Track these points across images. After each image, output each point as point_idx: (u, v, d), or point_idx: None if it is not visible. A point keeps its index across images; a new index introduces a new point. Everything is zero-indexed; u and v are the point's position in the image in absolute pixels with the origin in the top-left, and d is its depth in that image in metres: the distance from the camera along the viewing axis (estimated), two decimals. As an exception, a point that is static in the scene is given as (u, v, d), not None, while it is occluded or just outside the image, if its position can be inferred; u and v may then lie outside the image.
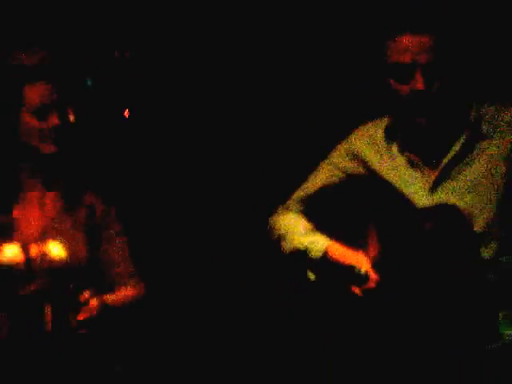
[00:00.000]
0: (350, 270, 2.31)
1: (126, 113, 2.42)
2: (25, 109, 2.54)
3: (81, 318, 2.38)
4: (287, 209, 2.62)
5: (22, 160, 2.60)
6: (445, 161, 2.36)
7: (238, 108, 3.80)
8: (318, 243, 2.43)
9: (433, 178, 2.38)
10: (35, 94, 2.54)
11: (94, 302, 2.40)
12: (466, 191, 2.34)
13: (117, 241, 2.69)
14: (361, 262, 2.31)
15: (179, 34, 3.80)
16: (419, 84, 2.26)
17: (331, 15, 3.58)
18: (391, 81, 2.32)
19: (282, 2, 3.67)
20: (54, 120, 2.52)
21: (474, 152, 2.36)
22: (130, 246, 2.68)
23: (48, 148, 2.55)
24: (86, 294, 2.40)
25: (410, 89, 2.29)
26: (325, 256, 2.39)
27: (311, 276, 2.47)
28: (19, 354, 2.45)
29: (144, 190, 3.70)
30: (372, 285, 2.30)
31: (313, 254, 2.42)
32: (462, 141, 2.36)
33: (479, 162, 2.35)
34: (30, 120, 2.55)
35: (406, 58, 2.27)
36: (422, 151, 2.40)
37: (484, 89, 2.58)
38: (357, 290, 2.33)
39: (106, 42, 3.72)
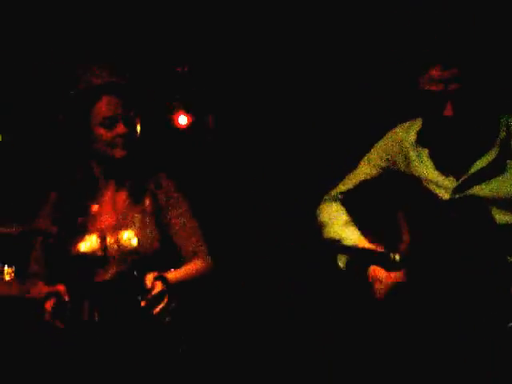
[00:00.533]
0: (384, 256, 2.58)
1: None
2: (97, 120, 2.79)
3: (157, 309, 2.50)
4: (331, 200, 2.89)
5: (97, 166, 2.86)
6: (471, 171, 2.58)
7: (290, 113, 4.15)
8: (352, 235, 2.71)
9: (455, 184, 2.60)
10: (103, 107, 2.79)
11: (158, 287, 2.53)
12: (489, 200, 2.54)
13: (183, 220, 2.83)
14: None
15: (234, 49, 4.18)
16: (449, 111, 2.48)
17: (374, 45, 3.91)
18: (425, 106, 2.54)
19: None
20: (120, 129, 2.77)
21: (503, 165, 2.56)
22: (199, 227, 2.83)
23: (118, 153, 2.79)
24: (149, 279, 2.54)
25: (440, 115, 2.49)
26: (356, 246, 2.67)
27: (341, 264, 2.74)
28: (97, 334, 2.61)
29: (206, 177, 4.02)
30: (401, 271, 2.54)
31: (345, 242, 2.71)
32: (490, 157, 2.57)
33: (505, 175, 2.56)
34: (100, 129, 2.79)
35: (437, 87, 2.49)
36: (450, 161, 2.63)
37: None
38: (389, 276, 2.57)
39: (165, 60, 4.10)
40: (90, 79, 2.80)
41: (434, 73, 2.47)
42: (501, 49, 2.94)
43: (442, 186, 2.63)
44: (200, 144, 4.44)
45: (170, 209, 2.83)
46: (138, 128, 2.80)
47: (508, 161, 2.57)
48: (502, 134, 2.58)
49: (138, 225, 2.76)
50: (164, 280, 2.55)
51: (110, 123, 2.76)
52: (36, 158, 3.13)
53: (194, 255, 2.81)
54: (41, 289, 2.73)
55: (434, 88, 2.48)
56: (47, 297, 2.59)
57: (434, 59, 2.49)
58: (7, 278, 4.04)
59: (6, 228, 4.04)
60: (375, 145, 2.85)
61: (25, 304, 2.89)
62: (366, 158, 2.87)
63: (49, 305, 2.57)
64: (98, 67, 2.81)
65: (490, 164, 2.57)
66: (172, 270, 2.73)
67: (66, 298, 2.57)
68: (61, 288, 2.62)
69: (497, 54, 2.70)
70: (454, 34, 2.55)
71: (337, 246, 2.75)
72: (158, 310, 2.50)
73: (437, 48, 2.51)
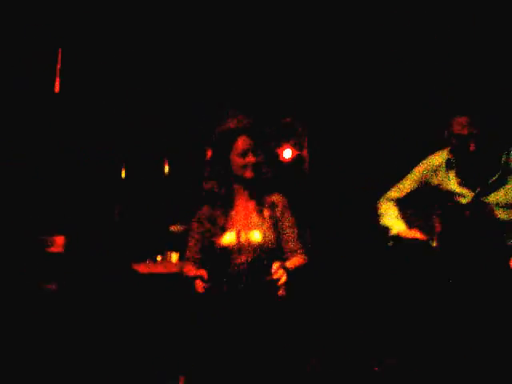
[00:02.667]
0: (424, 242, 3.52)
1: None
2: (235, 152, 3.43)
3: (278, 285, 3.10)
4: (387, 199, 3.80)
5: (235, 183, 3.47)
6: (483, 185, 3.48)
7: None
8: (400, 225, 3.63)
9: (473, 194, 3.51)
10: (240, 143, 3.37)
11: (281, 271, 3.16)
12: (496, 204, 3.47)
13: (291, 229, 3.41)
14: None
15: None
16: (472, 148, 3.39)
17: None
18: (455, 142, 3.44)
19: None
20: (251, 158, 3.41)
21: (505, 180, 3.45)
22: (298, 233, 3.45)
23: (248, 174, 3.40)
24: (275, 266, 3.16)
25: (467, 150, 3.38)
26: (398, 236, 3.56)
27: (390, 243, 3.61)
28: (232, 303, 3.17)
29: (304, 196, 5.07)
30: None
31: (394, 229, 3.64)
32: (496, 175, 3.46)
33: (507, 187, 3.44)
34: (237, 158, 3.42)
35: (464, 131, 3.39)
36: (470, 178, 3.52)
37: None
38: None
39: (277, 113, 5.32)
40: (232, 123, 3.42)
41: (464, 121, 3.38)
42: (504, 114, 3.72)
43: (464, 196, 3.55)
44: (299, 172, 5.74)
45: (283, 221, 3.41)
46: (262, 159, 3.42)
47: (508, 177, 3.48)
48: (503, 159, 3.51)
49: (261, 227, 3.35)
50: (285, 267, 3.20)
51: (244, 154, 3.41)
52: (195, 180, 3.69)
53: (295, 252, 3.40)
54: (190, 269, 3.31)
55: (463, 132, 3.40)
56: (195, 277, 3.19)
57: (464, 112, 3.40)
58: (174, 260, 5.02)
59: (175, 227, 5.06)
60: (416, 168, 3.74)
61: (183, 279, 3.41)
62: (410, 176, 3.75)
63: (197, 282, 3.18)
64: (241, 114, 3.44)
65: (496, 180, 3.48)
66: (287, 261, 3.30)
67: (206, 279, 3.15)
68: (203, 272, 3.19)
69: (502, 116, 3.59)
70: (480, 99, 3.42)
71: (387, 231, 3.64)
72: (280, 284, 3.13)
73: (468, 105, 3.41)
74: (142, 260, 5.10)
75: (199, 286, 3.14)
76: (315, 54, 5.51)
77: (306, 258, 3.42)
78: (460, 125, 3.39)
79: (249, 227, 3.33)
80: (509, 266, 3.37)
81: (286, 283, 3.15)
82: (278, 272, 3.14)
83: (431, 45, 5.11)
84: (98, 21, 5.09)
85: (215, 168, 3.43)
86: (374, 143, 5.42)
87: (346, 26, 5.29)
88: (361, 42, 5.33)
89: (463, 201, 3.58)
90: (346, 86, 5.62)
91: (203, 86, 5.59)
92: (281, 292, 3.14)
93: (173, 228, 5.14)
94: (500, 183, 3.50)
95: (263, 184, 3.46)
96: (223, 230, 3.34)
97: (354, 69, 5.48)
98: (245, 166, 3.36)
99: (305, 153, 6.07)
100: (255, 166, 3.36)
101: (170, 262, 5.16)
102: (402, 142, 5.18)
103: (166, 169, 5.89)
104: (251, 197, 3.44)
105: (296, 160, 6.11)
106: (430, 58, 5.13)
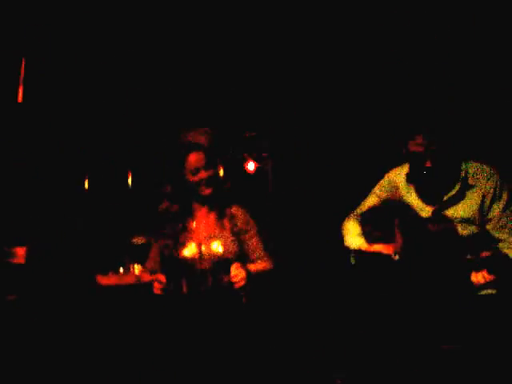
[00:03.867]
0: (386, 256, 3.57)
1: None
2: (187, 169, 3.44)
3: (237, 285, 3.17)
4: (350, 218, 3.88)
5: (193, 197, 3.54)
6: (445, 198, 3.53)
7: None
8: (358, 242, 3.71)
9: (432, 209, 3.57)
10: (192, 159, 3.40)
11: (241, 272, 3.22)
12: (455, 218, 3.52)
13: (254, 238, 3.51)
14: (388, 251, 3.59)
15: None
16: (428, 164, 3.40)
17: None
18: (412, 159, 3.48)
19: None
20: (202, 174, 3.43)
21: (463, 195, 3.51)
22: (262, 240, 3.53)
23: (204, 191, 3.47)
24: (234, 266, 3.23)
25: (423, 166, 3.41)
26: (359, 250, 3.64)
27: (352, 261, 3.71)
28: (192, 304, 3.24)
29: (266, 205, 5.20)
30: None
31: (352, 247, 3.72)
32: (455, 190, 3.50)
33: (465, 202, 3.50)
34: (190, 176, 3.45)
35: (420, 149, 3.41)
36: (429, 193, 3.59)
37: (469, 152, 3.66)
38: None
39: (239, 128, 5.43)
40: (186, 139, 3.44)
41: (419, 140, 3.42)
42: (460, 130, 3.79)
43: (424, 210, 3.62)
44: (263, 184, 5.87)
45: (245, 232, 3.50)
46: (221, 173, 3.49)
47: (466, 192, 3.54)
48: (462, 175, 3.56)
49: (222, 239, 3.44)
50: (246, 269, 3.28)
51: (195, 171, 3.45)
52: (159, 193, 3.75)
53: (261, 259, 3.51)
54: (148, 277, 3.47)
55: (419, 150, 3.44)
56: (153, 280, 3.31)
57: (419, 131, 3.45)
58: (136, 272, 4.83)
59: (137, 239, 5.10)
60: (378, 184, 3.83)
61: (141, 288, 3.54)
62: (372, 192, 3.85)
63: (155, 284, 3.30)
64: (197, 132, 3.48)
65: (454, 195, 3.53)
66: (250, 264, 3.40)
67: (164, 280, 3.25)
68: (160, 275, 3.30)
69: (458, 132, 3.66)
70: (433, 118, 3.47)
71: (350, 248, 3.77)
72: (238, 285, 3.20)
73: (422, 124, 3.46)
74: (104, 272, 4.86)
75: (157, 287, 3.25)
76: (278, 67, 5.68)
77: (271, 263, 3.51)
78: (415, 144, 3.44)
79: (210, 239, 3.41)
80: (468, 280, 3.42)
81: (246, 286, 3.22)
82: (238, 273, 3.21)
83: (387, 57, 5.29)
84: (61, 30, 5.14)
85: (170, 187, 3.50)
86: (338, 158, 5.59)
87: (307, 44, 5.47)
88: (319, 60, 5.51)
89: (424, 214, 3.64)
90: (310, 101, 5.80)
91: (167, 98, 5.71)
92: (242, 295, 3.25)
93: (135, 240, 5.20)
94: (458, 198, 3.55)
95: (223, 196, 3.53)
96: (184, 243, 3.42)
97: (317, 84, 5.65)
98: (199, 184, 3.42)
99: (267, 166, 6.27)
100: (209, 181, 3.41)
101: (133, 273, 4.89)
102: (366, 157, 5.36)
103: (130, 180, 5.98)
104: (211, 209, 3.52)
105: (259, 173, 6.36)
106: (387, 72, 5.31)
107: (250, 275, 3.28)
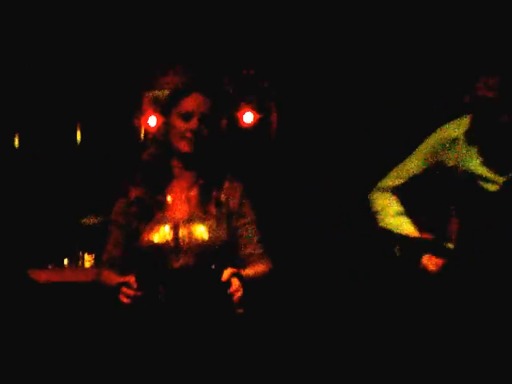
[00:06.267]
0: (438, 245, 2.86)
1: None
2: (176, 113, 2.88)
3: (235, 298, 2.58)
4: (383, 190, 3.15)
5: (173, 159, 2.93)
6: None
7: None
8: (405, 225, 3.00)
9: (503, 179, 2.87)
10: (187, 102, 2.86)
11: (236, 282, 2.60)
12: None
13: (250, 226, 2.90)
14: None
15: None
16: (503, 118, 2.78)
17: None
18: (479, 108, 2.84)
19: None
20: (193, 124, 2.84)
21: None
22: (260, 231, 2.90)
23: (184, 147, 2.86)
24: (227, 274, 2.61)
25: (496, 120, 2.80)
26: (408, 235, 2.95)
27: (397, 252, 3.02)
28: (165, 316, 2.65)
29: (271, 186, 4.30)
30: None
31: (399, 231, 3.01)
32: None
33: None
34: (177, 121, 2.88)
35: (494, 95, 2.77)
36: (498, 159, 2.91)
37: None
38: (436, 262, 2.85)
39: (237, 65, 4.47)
40: (175, 78, 2.95)
41: (494, 82, 2.79)
42: None
43: (490, 180, 2.89)
44: (263, 143, 4.70)
45: (240, 216, 2.92)
46: (221, 127, 2.96)
47: None
48: None
49: (208, 221, 2.85)
50: (240, 277, 2.65)
51: (187, 115, 2.88)
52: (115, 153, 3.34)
53: (256, 257, 2.90)
54: (111, 277, 2.84)
55: (490, 95, 2.80)
56: (120, 284, 2.67)
57: (495, 71, 2.83)
58: (87, 264, 4.32)
59: (89, 219, 4.31)
60: (425, 140, 3.11)
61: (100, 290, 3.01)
62: (415, 153, 3.13)
63: (123, 289, 2.66)
64: (180, 67, 2.99)
65: None
66: (245, 269, 2.82)
67: (135, 286, 2.64)
68: (131, 279, 2.67)
69: None
70: None
71: (390, 234, 3.04)
72: (235, 300, 2.61)
73: (499, 61, 2.86)
74: (42, 265, 4.45)
75: (125, 293, 2.68)
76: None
77: (270, 265, 2.94)
78: (488, 87, 2.82)
79: (190, 220, 2.85)
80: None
81: (242, 298, 2.65)
82: (233, 284, 2.64)
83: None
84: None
85: (158, 135, 3.02)
86: (361, 103, 4.53)
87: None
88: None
89: (490, 188, 2.91)
90: (326, 32, 4.74)
91: (135, 31, 4.79)
92: (236, 307, 2.67)
93: (86, 221, 4.39)
94: None
95: (212, 163, 2.98)
96: (154, 223, 2.85)
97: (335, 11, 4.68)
98: (183, 134, 2.89)
99: (273, 117, 4.92)
100: (196, 137, 2.89)
101: (82, 267, 4.50)
102: (398, 102, 4.39)
103: (79, 137, 5.02)
104: (195, 181, 2.96)
105: (259, 127, 5.00)
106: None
107: (246, 283, 2.70)
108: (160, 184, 2.91)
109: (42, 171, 5.03)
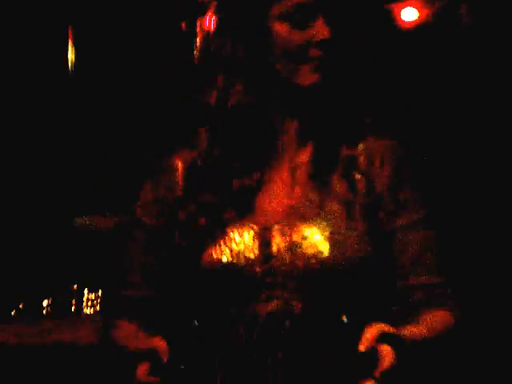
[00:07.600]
0: None
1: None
2: (276, 11, 1.77)
3: (376, 374, 1.57)
4: None
5: (274, 101, 1.81)
6: None
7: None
8: None
9: None
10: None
11: (387, 353, 1.57)
12: None
13: (411, 235, 1.80)
14: None
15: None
16: None
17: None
18: None
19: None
20: (318, 29, 1.73)
21: None
22: (435, 245, 1.78)
23: (309, 77, 1.75)
24: (370, 336, 1.57)
25: None
26: None
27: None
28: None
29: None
30: None
31: None
32: None
33: None
34: (281, 28, 1.78)
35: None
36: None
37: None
38: None
39: None
40: None
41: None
42: None
43: None
44: (438, 61, 3.14)
45: (396, 210, 1.84)
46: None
47: None
48: None
49: (333, 220, 1.78)
50: (398, 343, 1.56)
51: (302, 18, 1.76)
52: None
53: (432, 296, 1.80)
54: (132, 336, 1.87)
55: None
56: (140, 357, 1.73)
57: None
58: (88, 310, 3.00)
59: (85, 220, 3.26)
60: None
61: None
62: None
63: (142, 366, 1.72)
64: None
65: None
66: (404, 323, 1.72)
67: (165, 360, 1.72)
68: (160, 344, 1.73)
69: None
70: None
71: None
72: (375, 376, 1.57)
73: None
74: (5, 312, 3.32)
75: (144, 369, 1.67)
76: None
77: (457, 312, 1.76)
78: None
79: (294, 221, 1.75)
80: None
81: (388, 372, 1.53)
82: (381, 356, 1.52)
83: None
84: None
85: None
86: None
87: None
88: None
89: None
90: None
91: None
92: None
93: (80, 221, 3.28)
94: None
95: (345, 108, 1.85)
96: (223, 225, 1.78)
97: None
98: (301, 51, 1.75)
99: (462, 8, 3.31)
100: (326, 55, 1.77)
101: (78, 317, 3.13)
102: None
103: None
104: (306, 142, 1.85)
105: (429, 31, 3.37)
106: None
107: (405, 353, 1.57)
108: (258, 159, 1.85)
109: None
